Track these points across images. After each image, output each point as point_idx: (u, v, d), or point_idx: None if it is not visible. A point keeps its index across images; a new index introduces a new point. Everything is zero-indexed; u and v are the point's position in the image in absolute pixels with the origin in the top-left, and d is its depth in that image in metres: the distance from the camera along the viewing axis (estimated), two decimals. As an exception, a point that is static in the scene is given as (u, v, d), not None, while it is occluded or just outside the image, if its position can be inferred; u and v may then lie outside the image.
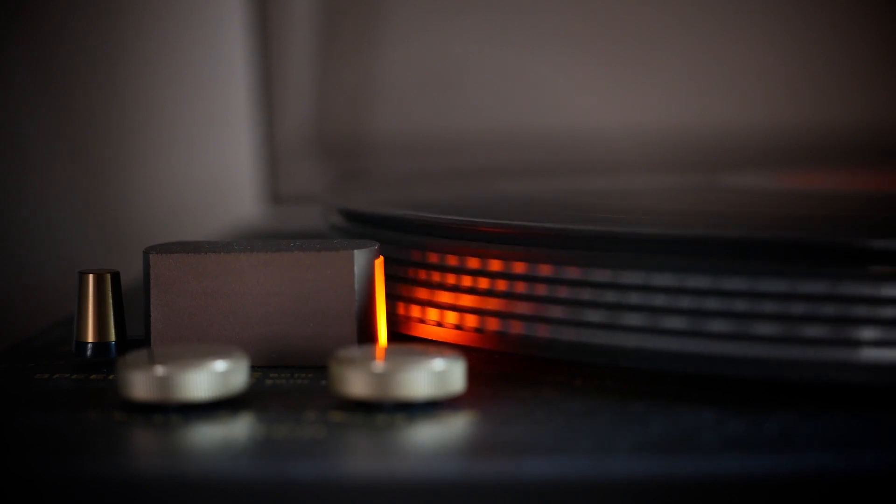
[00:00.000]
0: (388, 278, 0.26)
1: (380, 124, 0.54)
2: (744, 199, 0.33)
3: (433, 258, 0.25)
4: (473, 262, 0.25)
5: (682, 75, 0.53)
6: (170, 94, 0.56)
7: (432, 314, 0.25)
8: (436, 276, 0.25)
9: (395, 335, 0.26)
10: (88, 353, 0.25)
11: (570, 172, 0.44)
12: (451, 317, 0.25)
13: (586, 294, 0.23)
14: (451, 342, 0.25)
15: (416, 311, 0.26)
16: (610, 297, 0.23)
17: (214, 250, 0.25)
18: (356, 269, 0.24)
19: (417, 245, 0.26)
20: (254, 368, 0.24)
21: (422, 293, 0.26)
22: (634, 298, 0.23)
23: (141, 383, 0.21)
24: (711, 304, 0.22)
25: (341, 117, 0.54)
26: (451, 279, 0.25)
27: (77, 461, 0.19)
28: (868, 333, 0.21)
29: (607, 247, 0.23)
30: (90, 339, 0.25)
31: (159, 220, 0.56)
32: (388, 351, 0.22)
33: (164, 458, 0.20)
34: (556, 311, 0.23)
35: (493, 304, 0.24)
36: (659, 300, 0.22)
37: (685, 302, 0.22)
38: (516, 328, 0.24)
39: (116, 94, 0.56)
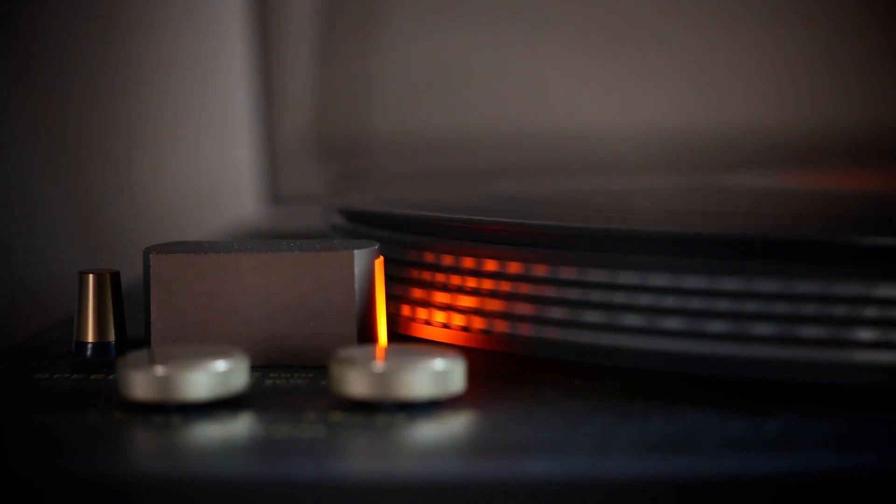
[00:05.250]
0: (388, 278, 0.26)
1: (380, 124, 0.54)
2: (744, 199, 0.33)
3: (433, 258, 0.25)
4: (473, 262, 0.25)
5: (683, 75, 0.53)
6: (170, 95, 0.56)
7: (433, 314, 0.25)
8: (436, 276, 0.25)
9: (395, 335, 0.26)
10: (88, 353, 0.25)
11: (570, 172, 0.44)
12: (452, 317, 0.25)
13: (586, 294, 0.23)
14: (451, 342, 0.25)
15: (416, 311, 0.26)
16: (610, 297, 0.23)
17: (214, 250, 0.25)
18: (356, 269, 0.24)
19: (418, 245, 0.26)
20: (254, 368, 0.24)
21: (422, 293, 0.26)
22: (634, 298, 0.23)
23: (141, 383, 0.21)
24: (711, 304, 0.22)
25: (341, 117, 0.54)
26: (451, 279, 0.25)
27: (77, 461, 0.19)
28: (868, 334, 0.21)
29: (607, 246, 0.23)
30: (90, 339, 0.25)
31: (159, 220, 0.56)
32: (388, 351, 0.22)
33: (164, 458, 0.20)
34: (556, 311, 0.23)
35: (492, 304, 0.24)
36: (659, 300, 0.22)
37: (685, 302, 0.22)
38: (516, 328, 0.24)
39: (116, 93, 0.56)
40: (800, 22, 0.53)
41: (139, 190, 0.56)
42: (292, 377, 0.24)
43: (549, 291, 0.23)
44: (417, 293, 0.26)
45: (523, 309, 0.24)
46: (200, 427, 0.21)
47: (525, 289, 0.24)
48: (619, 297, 0.23)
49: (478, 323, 0.25)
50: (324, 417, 0.21)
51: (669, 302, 0.22)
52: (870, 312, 0.21)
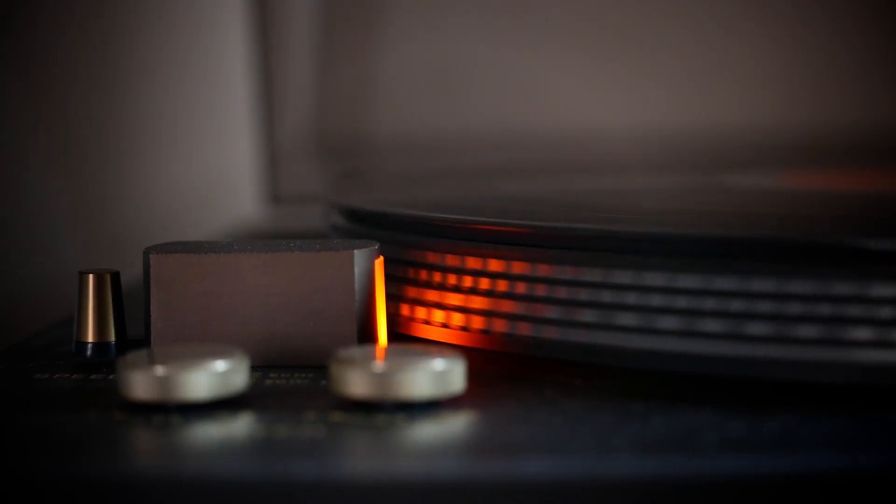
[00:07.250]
0: (389, 278, 0.26)
1: (380, 124, 0.54)
2: (744, 199, 0.33)
3: (433, 258, 0.25)
4: (473, 262, 0.25)
5: (684, 75, 0.53)
6: (170, 95, 0.56)
7: (432, 314, 0.25)
8: (436, 276, 0.25)
9: (395, 335, 0.26)
10: (88, 353, 0.25)
11: (570, 172, 0.44)
12: (451, 317, 0.25)
13: (585, 294, 0.23)
14: (452, 342, 0.25)
15: (416, 311, 0.26)
16: (609, 296, 0.23)
17: (214, 250, 0.25)
18: (356, 269, 0.24)
19: (418, 245, 0.26)
20: (254, 368, 0.24)
21: (422, 293, 0.26)
22: (631, 298, 0.23)
23: (141, 383, 0.21)
24: (709, 304, 0.22)
25: (341, 117, 0.54)
26: (450, 279, 0.25)
27: (77, 461, 0.19)
28: (867, 334, 0.21)
29: (606, 246, 0.23)
30: (90, 339, 0.25)
31: (159, 220, 0.56)
32: (388, 351, 0.22)
33: (164, 458, 0.20)
34: (555, 311, 0.23)
35: (492, 304, 0.24)
36: (656, 300, 0.22)
37: (682, 302, 0.22)
38: (516, 328, 0.24)
39: (116, 93, 0.56)
40: (800, 22, 0.53)
41: (139, 190, 0.56)
42: (292, 377, 0.24)
43: (548, 291, 0.23)
44: (417, 293, 0.26)
45: (523, 308, 0.24)
46: (200, 427, 0.21)
47: (524, 288, 0.24)
48: (619, 297, 0.23)
49: (478, 323, 0.25)
50: (324, 417, 0.21)
51: (668, 302, 0.22)
52: (869, 312, 0.21)
